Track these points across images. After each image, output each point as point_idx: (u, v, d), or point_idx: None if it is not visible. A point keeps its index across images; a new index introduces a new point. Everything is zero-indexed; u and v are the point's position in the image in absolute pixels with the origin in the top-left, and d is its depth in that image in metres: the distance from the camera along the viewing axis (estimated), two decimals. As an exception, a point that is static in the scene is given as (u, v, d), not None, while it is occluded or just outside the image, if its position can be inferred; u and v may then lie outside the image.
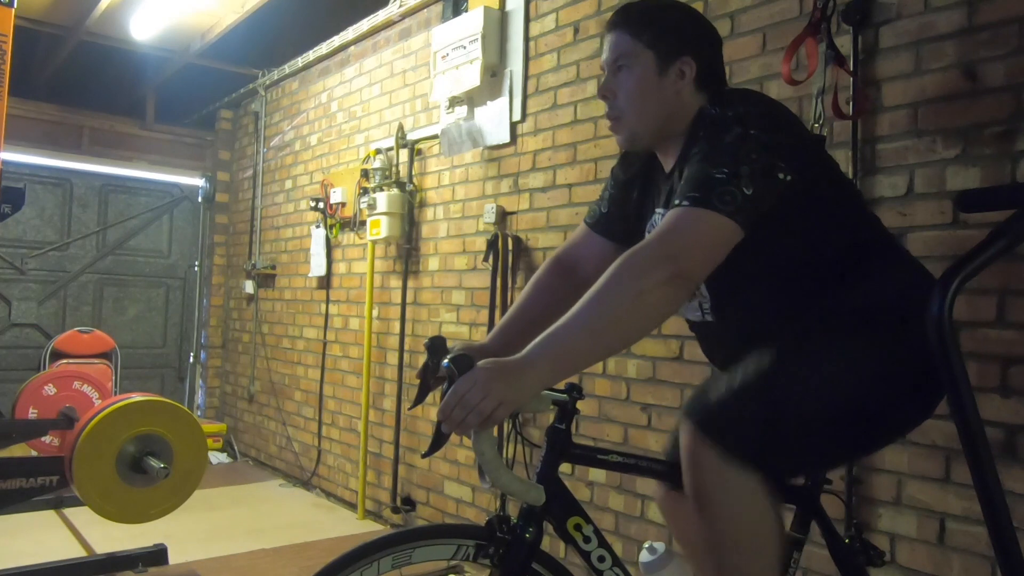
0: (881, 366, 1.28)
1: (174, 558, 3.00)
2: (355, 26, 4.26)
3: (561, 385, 1.32)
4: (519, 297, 1.61)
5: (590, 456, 1.43)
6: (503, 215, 3.22)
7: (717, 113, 1.32)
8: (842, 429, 1.29)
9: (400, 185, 3.78)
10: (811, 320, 1.32)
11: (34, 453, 3.53)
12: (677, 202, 1.23)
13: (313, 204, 4.47)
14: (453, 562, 1.34)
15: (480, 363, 1.15)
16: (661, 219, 1.31)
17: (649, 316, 1.18)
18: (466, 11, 3.39)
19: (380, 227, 3.72)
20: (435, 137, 3.63)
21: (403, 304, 3.78)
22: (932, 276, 1.37)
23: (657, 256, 1.18)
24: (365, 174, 4.03)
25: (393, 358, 3.83)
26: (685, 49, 1.40)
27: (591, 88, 2.86)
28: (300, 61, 4.84)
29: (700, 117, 1.36)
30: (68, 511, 3.59)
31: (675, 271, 1.17)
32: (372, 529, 3.79)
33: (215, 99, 5.78)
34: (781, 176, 1.24)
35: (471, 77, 3.24)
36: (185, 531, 3.39)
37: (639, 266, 1.17)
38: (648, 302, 1.16)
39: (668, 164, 1.45)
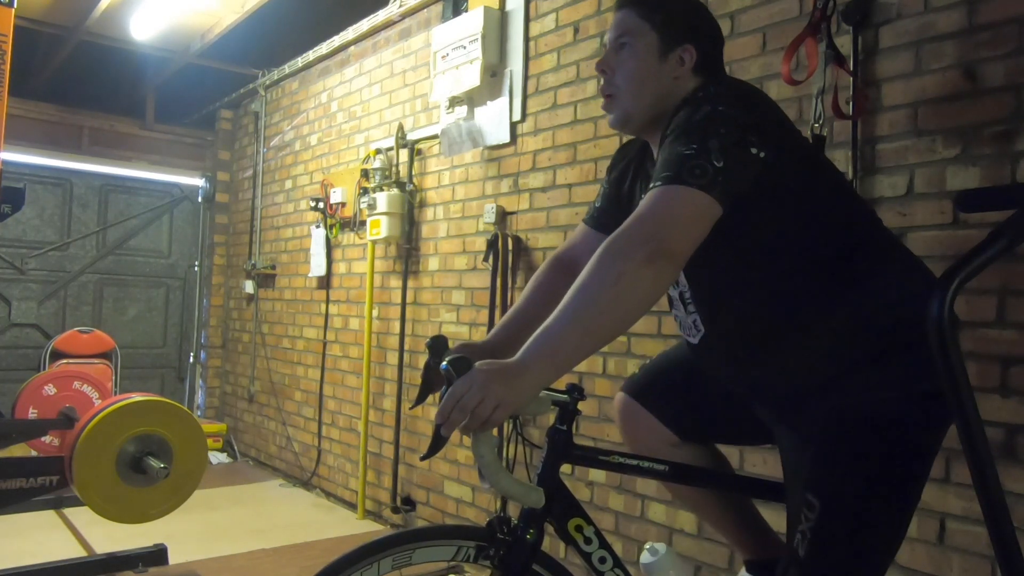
0: (909, 448, 1.32)
1: (174, 558, 2.99)
2: (355, 26, 4.26)
3: (562, 385, 1.32)
4: (520, 297, 1.62)
5: (591, 457, 1.43)
6: (503, 215, 3.22)
7: (690, 96, 1.32)
8: (906, 515, 1.32)
9: (400, 185, 3.78)
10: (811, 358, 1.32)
11: (34, 453, 3.53)
12: (651, 184, 1.22)
13: (313, 204, 4.47)
14: (453, 563, 1.34)
15: (477, 364, 1.14)
16: None
17: (634, 299, 1.16)
18: (466, 11, 3.39)
19: (380, 227, 3.72)
20: (435, 137, 3.63)
21: (403, 304, 3.78)
22: (932, 275, 1.37)
23: (635, 238, 1.17)
24: (365, 174, 4.03)
25: (393, 358, 3.83)
26: (689, 37, 1.40)
27: (591, 88, 2.86)
28: (300, 61, 4.84)
29: (680, 102, 1.35)
30: (68, 511, 3.58)
31: (654, 250, 1.15)
32: (372, 529, 3.79)
33: (215, 99, 5.78)
34: (754, 151, 1.22)
35: (471, 77, 3.24)
36: (185, 531, 3.39)
37: (618, 250, 1.16)
38: (630, 284, 1.14)
39: (657, 150, 1.45)
